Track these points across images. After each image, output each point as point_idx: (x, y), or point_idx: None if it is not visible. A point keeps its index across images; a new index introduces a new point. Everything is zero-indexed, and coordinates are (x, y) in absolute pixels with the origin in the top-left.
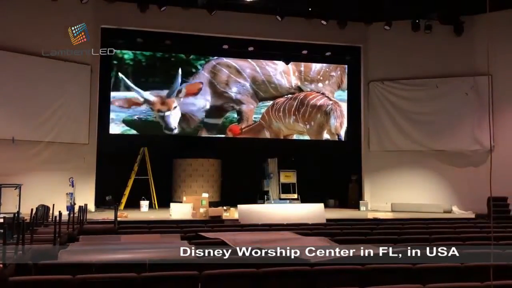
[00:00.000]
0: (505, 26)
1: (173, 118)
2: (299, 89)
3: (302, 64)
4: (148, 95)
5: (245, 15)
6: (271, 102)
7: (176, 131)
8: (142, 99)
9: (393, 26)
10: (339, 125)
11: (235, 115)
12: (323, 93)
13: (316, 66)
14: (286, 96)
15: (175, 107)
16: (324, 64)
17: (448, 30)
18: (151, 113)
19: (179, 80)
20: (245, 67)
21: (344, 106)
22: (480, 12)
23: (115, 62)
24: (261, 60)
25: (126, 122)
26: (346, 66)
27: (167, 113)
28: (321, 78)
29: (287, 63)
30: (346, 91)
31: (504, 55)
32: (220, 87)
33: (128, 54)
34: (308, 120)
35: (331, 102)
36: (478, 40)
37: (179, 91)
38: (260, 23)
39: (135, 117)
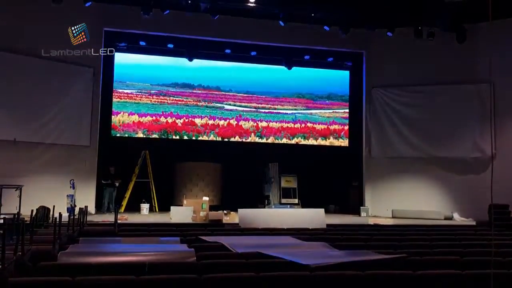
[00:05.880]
0: (507, 34)
1: None
2: None
3: None
4: None
5: (248, 20)
6: None
7: None
8: None
9: (396, 33)
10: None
11: None
12: None
13: None
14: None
15: None
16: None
17: (451, 37)
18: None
19: None
20: None
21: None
22: (482, 20)
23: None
24: None
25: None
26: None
27: None
28: None
29: (289, 68)
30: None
31: (506, 63)
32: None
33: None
34: None
35: None
36: (481, 48)
37: None
38: (263, 28)
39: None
